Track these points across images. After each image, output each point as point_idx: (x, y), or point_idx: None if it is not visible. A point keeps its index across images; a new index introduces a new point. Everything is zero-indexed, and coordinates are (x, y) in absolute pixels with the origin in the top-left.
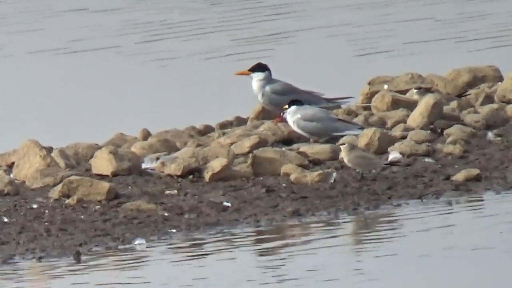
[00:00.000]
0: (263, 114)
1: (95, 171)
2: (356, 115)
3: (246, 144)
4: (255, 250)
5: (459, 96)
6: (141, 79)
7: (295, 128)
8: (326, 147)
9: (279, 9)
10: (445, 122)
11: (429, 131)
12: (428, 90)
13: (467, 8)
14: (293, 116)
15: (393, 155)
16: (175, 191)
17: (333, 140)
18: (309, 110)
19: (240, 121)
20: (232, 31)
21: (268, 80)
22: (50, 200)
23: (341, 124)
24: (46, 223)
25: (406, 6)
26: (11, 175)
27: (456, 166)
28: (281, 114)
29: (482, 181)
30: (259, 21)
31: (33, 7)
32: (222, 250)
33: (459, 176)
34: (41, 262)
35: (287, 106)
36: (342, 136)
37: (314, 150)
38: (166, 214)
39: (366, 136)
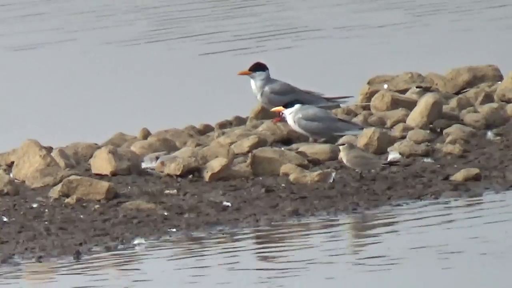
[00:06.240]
0: (263, 114)
1: (94, 170)
2: (356, 115)
3: (245, 144)
4: (254, 249)
5: (458, 93)
6: (140, 78)
7: (296, 128)
8: (325, 147)
9: (279, 8)
10: (444, 121)
11: (428, 131)
12: (427, 90)
13: (467, 6)
14: (294, 115)
15: (393, 155)
16: (175, 190)
17: (332, 139)
18: (310, 110)
19: (240, 121)
20: (232, 30)
21: (267, 79)
22: (50, 200)
23: (341, 124)
24: (46, 223)
25: (406, 6)
26: (11, 175)
27: (456, 166)
28: (280, 114)
29: (481, 180)
30: (259, 20)
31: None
32: (221, 250)
33: (459, 176)
34: (40, 261)
35: (282, 108)
36: (342, 135)
37: (313, 150)
38: (165, 214)
39: (365, 136)
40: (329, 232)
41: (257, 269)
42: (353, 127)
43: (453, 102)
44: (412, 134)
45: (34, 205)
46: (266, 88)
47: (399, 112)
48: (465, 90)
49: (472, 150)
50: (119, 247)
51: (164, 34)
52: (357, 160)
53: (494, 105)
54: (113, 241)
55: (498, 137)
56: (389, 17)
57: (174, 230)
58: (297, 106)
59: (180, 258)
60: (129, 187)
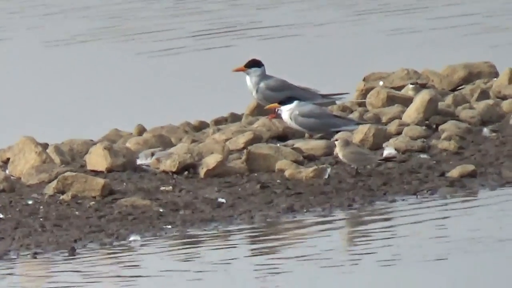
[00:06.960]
0: (258, 110)
1: (90, 167)
2: (351, 112)
3: (240, 140)
4: (249, 246)
5: (453, 90)
6: (136, 74)
7: (292, 124)
8: (320, 143)
9: (277, 6)
10: (440, 118)
11: (424, 127)
12: (423, 86)
13: (463, 4)
14: (290, 112)
15: (388, 151)
16: (170, 187)
17: (328, 135)
18: (306, 107)
19: (235, 117)
20: (227, 26)
21: (263, 76)
22: (45, 196)
23: (338, 120)
24: (41, 219)
25: (402, 3)
26: (7, 171)
27: (451, 162)
28: (276, 110)
29: (477, 177)
30: (255, 16)
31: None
32: (216, 246)
33: (454, 172)
34: (36, 257)
35: (276, 104)
36: (338, 131)
37: (308, 146)
38: (161, 210)
39: (361, 132)
40: (324, 229)
41: (252, 266)
42: (349, 122)
43: (448, 99)
44: (408, 130)
45: (30, 202)
46: (262, 85)
47: (395, 109)
48: (461, 87)
49: (468, 146)
50: (114, 243)
51: (160, 30)
52: (353, 155)
53: (490, 101)
54: (108, 237)
55: (494, 134)
56: (385, 14)
57: (170, 226)
58: (295, 102)
59: (175, 255)
60: (125, 184)
